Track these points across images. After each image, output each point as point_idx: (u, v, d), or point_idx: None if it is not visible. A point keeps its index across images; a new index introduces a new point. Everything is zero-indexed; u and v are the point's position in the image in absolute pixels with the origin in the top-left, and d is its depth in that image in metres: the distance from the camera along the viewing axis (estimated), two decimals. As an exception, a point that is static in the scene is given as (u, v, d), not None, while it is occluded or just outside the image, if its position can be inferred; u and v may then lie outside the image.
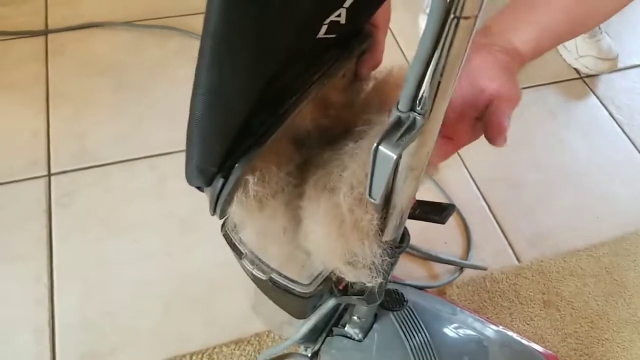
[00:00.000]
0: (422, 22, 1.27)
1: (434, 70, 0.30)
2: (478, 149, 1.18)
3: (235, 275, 0.70)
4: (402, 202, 0.42)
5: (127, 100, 1.11)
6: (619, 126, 1.16)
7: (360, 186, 0.40)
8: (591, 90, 1.22)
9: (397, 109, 0.33)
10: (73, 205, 0.96)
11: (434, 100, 0.32)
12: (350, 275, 0.44)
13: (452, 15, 0.27)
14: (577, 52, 1.22)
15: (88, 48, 1.20)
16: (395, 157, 0.32)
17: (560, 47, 1.27)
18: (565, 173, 1.07)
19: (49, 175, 0.99)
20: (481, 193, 1.03)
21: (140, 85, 1.14)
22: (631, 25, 1.35)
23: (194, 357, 0.81)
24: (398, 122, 0.33)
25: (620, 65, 1.24)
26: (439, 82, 0.31)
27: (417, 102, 0.32)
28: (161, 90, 1.13)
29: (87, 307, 0.85)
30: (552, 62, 1.25)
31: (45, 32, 1.21)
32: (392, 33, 1.28)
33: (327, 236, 0.41)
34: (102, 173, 1.00)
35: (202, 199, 0.43)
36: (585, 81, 1.23)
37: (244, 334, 0.84)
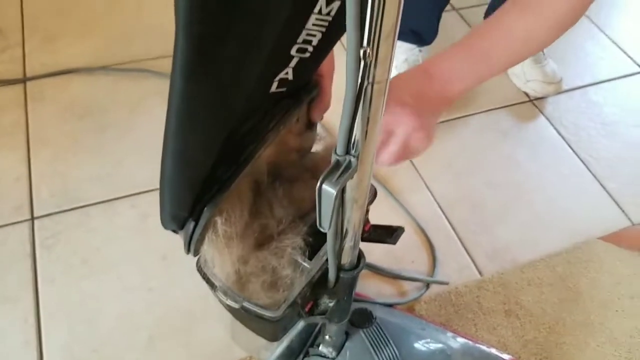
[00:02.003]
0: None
1: (361, 122, 0.37)
2: (439, 172, 1.25)
3: (214, 306, 0.75)
4: (352, 227, 0.49)
5: (106, 141, 1.16)
6: (566, 143, 1.25)
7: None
8: (540, 111, 1.31)
9: (335, 153, 0.40)
10: (57, 247, 1.00)
11: (364, 144, 0.39)
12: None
13: (366, 82, 0.34)
14: (524, 77, 1.32)
15: (66, 93, 1.25)
16: (335, 192, 0.39)
17: (510, 73, 1.36)
18: (519, 190, 1.15)
19: (32, 219, 1.03)
20: (444, 213, 1.10)
21: (119, 126, 1.19)
22: (573, 50, 1.46)
23: (179, 385, 0.85)
24: (337, 164, 0.40)
25: (565, 87, 1.34)
26: (366, 130, 0.38)
27: (351, 146, 0.39)
28: (139, 129, 1.18)
29: (73, 344, 0.89)
30: (503, 87, 1.35)
31: (24, 80, 1.26)
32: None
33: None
34: (84, 214, 1.05)
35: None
36: (534, 103, 1.33)
37: (226, 361, 0.88)
